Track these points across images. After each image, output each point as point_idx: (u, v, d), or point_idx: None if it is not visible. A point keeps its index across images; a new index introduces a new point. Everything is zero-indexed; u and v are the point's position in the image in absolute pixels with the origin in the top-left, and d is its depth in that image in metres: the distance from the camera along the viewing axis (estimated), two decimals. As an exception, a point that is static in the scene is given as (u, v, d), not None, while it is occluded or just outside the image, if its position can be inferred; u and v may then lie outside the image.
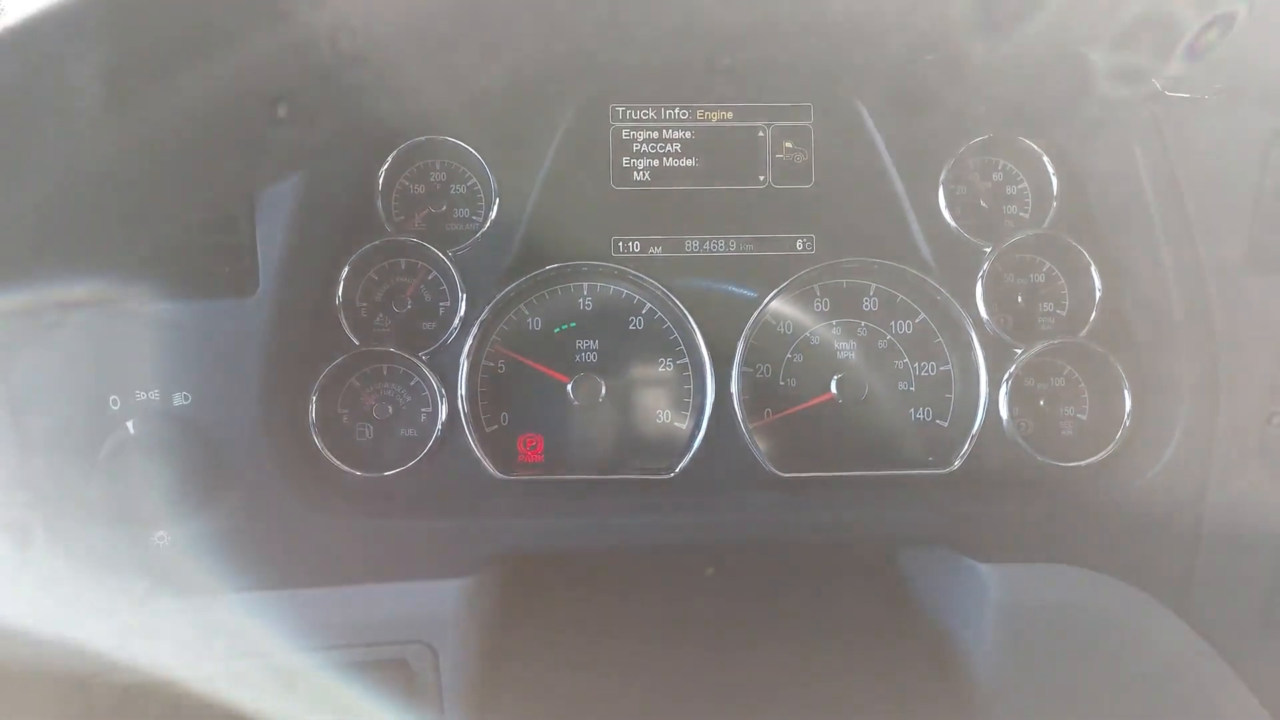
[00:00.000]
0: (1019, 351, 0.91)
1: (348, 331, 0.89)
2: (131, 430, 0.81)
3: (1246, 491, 0.85)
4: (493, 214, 0.92)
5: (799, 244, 0.95)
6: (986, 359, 0.90)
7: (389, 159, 0.90)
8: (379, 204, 0.91)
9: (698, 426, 0.91)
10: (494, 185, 0.92)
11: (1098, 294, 0.91)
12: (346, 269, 0.89)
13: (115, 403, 0.81)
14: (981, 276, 0.91)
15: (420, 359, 0.89)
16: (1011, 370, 0.90)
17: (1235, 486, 0.85)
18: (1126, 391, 0.89)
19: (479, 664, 0.86)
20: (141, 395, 0.82)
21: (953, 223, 0.93)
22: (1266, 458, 0.84)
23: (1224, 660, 0.86)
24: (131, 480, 0.79)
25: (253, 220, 0.81)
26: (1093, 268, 0.91)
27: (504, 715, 0.87)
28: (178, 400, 0.82)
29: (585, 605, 0.99)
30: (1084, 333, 0.91)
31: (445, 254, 0.90)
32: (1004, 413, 0.90)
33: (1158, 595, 0.86)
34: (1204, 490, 0.85)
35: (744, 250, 0.95)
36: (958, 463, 0.90)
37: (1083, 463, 0.89)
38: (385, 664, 0.84)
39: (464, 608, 0.84)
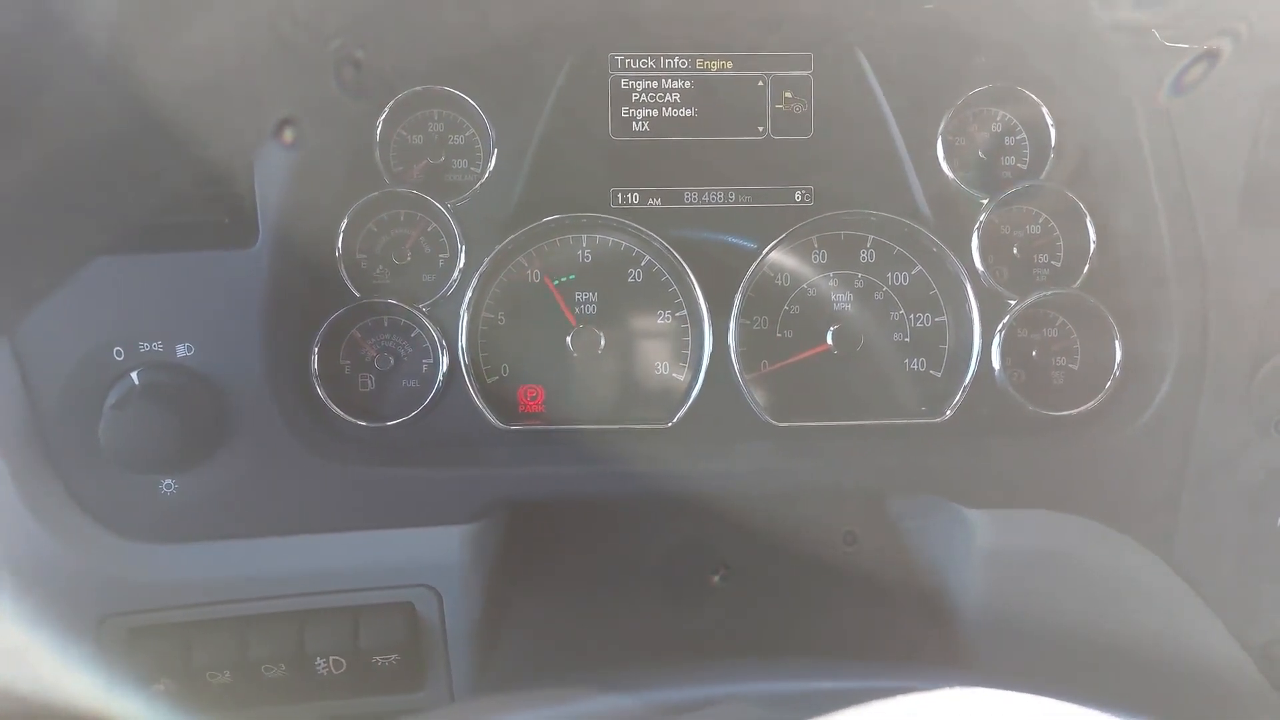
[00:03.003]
0: (1013, 303, 0.92)
1: (348, 283, 0.89)
2: (136, 381, 0.82)
3: (1231, 443, 0.87)
4: (491, 165, 0.92)
5: (797, 195, 0.95)
6: (981, 310, 0.91)
7: (386, 109, 0.90)
8: (377, 155, 0.90)
9: (695, 378, 0.92)
10: (492, 136, 0.92)
11: (1092, 246, 0.92)
12: (346, 221, 0.89)
13: (119, 354, 0.82)
14: (978, 228, 0.92)
15: (420, 310, 0.90)
16: (1005, 321, 0.91)
17: (1220, 438, 0.87)
18: (1117, 342, 0.91)
19: (482, 607, 0.89)
20: (145, 347, 0.82)
21: (950, 174, 0.93)
22: (1251, 410, 0.86)
23: (1205, 603, 0.89)
24: (137, 430, 0.80)
25: (250, 171, 0.81)
26: (1088, 219, 0.91)
27: (506, 656, 0.90)
28: (181, 351, 0.83)
29: (586, 550, 1.02)
30: (1077, 284, 0.92)
31: (444, 205, 0.90)
32: (996, 363, 0.91)
33: (1142, 540, 0.88)
34: (1189, 441, 0.87)
35: (742, 202, 0.95)
36: (949, 412, 0.91)
37: (1072, 412, 0.91)
38: (392, 606, 0.86)
39: (467, 553, 0.86)
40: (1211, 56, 0.73)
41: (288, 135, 0.33)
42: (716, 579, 1.02)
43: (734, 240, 0.95)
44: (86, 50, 0.28)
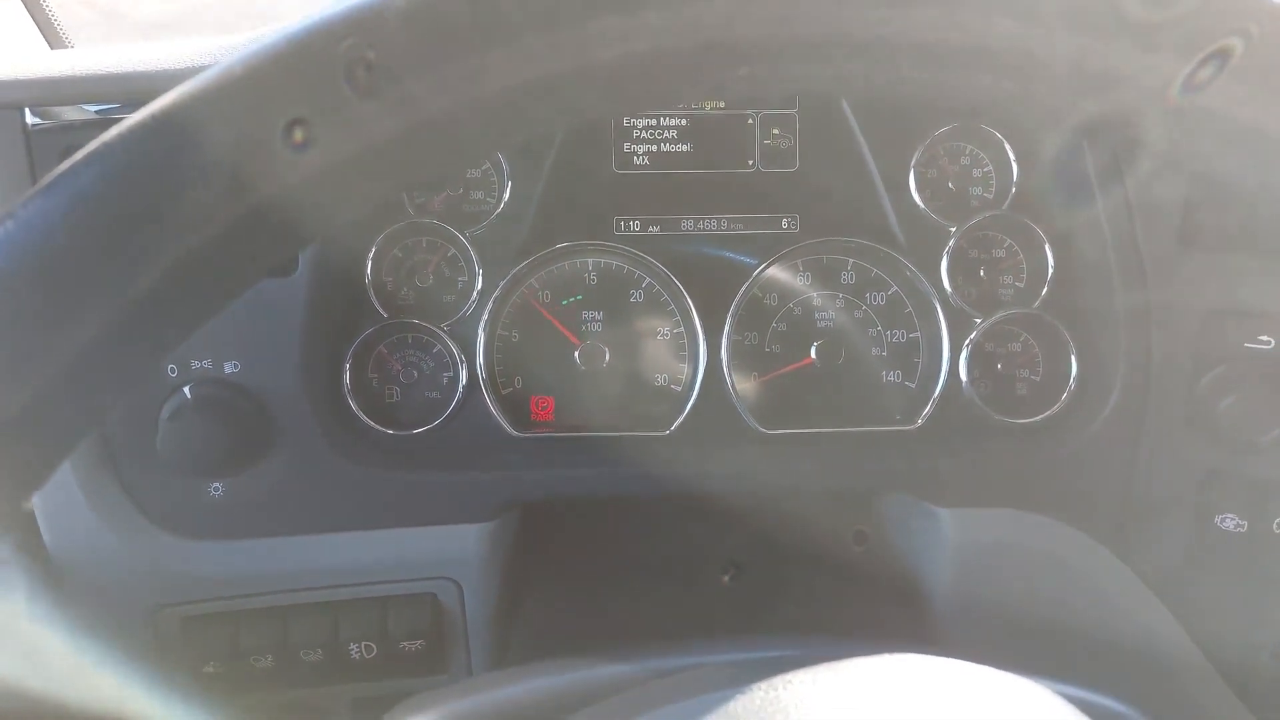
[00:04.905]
0: (979, 320, 1.01)
1: (376, 305, 0.99)
2: (188, 395, 0.91)
3: (1174, 446, 0.96)
4: (506, 196, 1.01)
5: (784, 223, 1.05)
6: (949, 327, 1.01)
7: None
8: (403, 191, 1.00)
9: (691, 389, 1.01)
10: (506, 170, 1.01)
11: (1050, 269, 1.01)
12: (374, 249, 0.98)
13: (173, 371, 0.91)
14: (947, 253, 1.01)
15: (442, 329, 0.99)
16: (972, 337, 1.01)
17: (1165, 442, 0.96)
18: (1073, 356, 1.00)
19: (498, 597, 0.98)
20: (196, 364, 0.92)
21: (921, 204, 1.02)
22: (1192, 416, 0.95)
23: (1152, 592, 0.98)
24: (189, 438, 0.89)
25: None
26: (1046, 245, 1.01)
27: (521, 641, 1.00)
28: (228, 368, 0.92)
29: (596, 546, 1.11)
30: (1037, 304, 1.02)
31: (463, 234, 0.99)
32: (963, 375, 1.01)
33: (1095, 536, 0.98)
34: (1137, 445, 0.96)
35: (734, 229, 1.05)
36: (921, 421, 1.01)
37: (1032, 420, 1.00)
38: (417, 597, 0.96)
39: (485, 548, 0.96)
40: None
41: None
42: (726, 579, 1.10)
43: (730, 255, 1.04)
44: (214, 165, 0.36)
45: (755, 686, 0.40)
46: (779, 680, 0.42)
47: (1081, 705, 0.52)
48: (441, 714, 0.50)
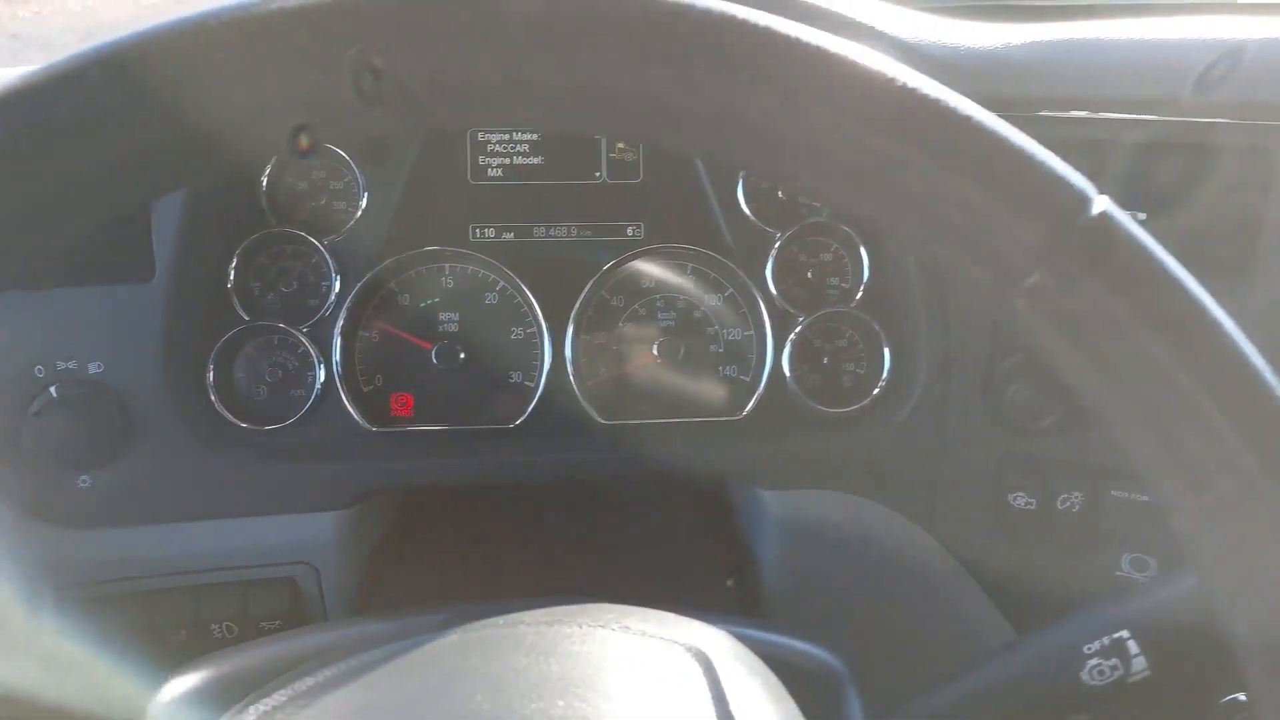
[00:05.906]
0: (801, 319, 1.10)
1: (239, 309, 1.05)
2: (54, 394, 0.97)
3: (973, 431, 1.06)
4: (363, 205, 1.08)
5: (629, 230, 1.13)
6: (774, 325, 1.10)
7: (271, 162, 1.06)
8: (263, 200, 1.07)
9: (537, 385, 1.09)
10: (362, 181, 1.08)
11: (865, 271, 1.10)
12: (237, 258, 1.05)
13: (40, 371, 0.98)
14: (771, 257, 1.10)
15: (302, 331, 1.06)
16: (794, 334, 1.10)
17: (965, 427, 1.06)
18: (885, 350, 1.09)
19: (360, 582, 1.05)
20: (61, 365, 0.98)
21: (749, 214, 1.11)
22: (989, 403, 1.05)
23: (961, 564, 1.08)
24: (57, 434, 0.95)
25: (148, 217, 0.97)
26: (862, 249, 1.10)
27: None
28: (93, 368, 0.98)
29: (451, 532, 1.19)
30: (854, 304, 1.11)
31: (321, 241, 1.06)
32: (787, 369, 1.10)
33: (908, 514, 1.07)
34: (942, 430, 1.06)
35: (583, 236, 1.13)
36: (745, 411, 1.09)
37: (847, 409, 1.10)
38: (276, 581, 1.03)
39: (343, 535, 1.03)
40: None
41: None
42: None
43: (575, 267, 1.12)
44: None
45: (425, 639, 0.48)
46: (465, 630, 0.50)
47: (779, 650, 0.60)
48: (209, 674, 0.58)
